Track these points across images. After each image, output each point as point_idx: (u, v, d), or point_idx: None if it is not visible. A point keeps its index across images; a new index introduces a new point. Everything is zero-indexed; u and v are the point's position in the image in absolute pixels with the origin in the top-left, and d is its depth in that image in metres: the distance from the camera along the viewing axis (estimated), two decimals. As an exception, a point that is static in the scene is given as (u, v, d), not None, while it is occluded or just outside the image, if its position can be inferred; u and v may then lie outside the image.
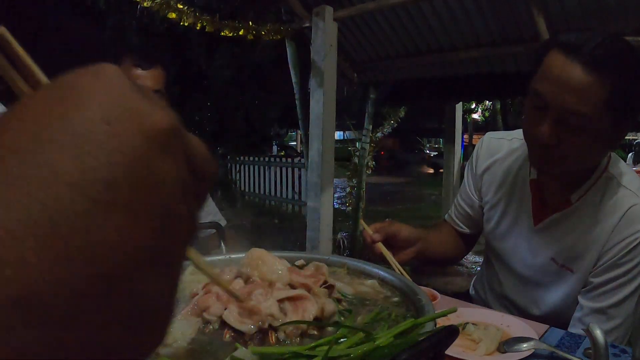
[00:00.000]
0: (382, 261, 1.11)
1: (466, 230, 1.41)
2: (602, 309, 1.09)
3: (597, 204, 1.10)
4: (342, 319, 0.69)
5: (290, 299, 0.66)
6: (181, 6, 3.44)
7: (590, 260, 1.11)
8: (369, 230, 1.14)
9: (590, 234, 1.10)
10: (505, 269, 1.32)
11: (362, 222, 1.25)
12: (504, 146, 1.30)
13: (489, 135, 1.37)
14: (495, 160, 1.30)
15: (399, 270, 1.06)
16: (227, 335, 0.62)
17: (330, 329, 0.64)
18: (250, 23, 3.71)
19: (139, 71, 1.42)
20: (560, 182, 1.15)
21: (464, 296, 1.52)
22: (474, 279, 1.53)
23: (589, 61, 0.95)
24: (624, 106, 0.99)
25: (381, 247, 1.11)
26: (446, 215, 1.47)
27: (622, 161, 1.17)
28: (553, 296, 1.20)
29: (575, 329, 1.10)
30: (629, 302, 1.07)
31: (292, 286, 0.70)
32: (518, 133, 1.23)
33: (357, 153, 5.41)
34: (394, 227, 1.15)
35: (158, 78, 1.46)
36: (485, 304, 1.37)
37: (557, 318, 1.16)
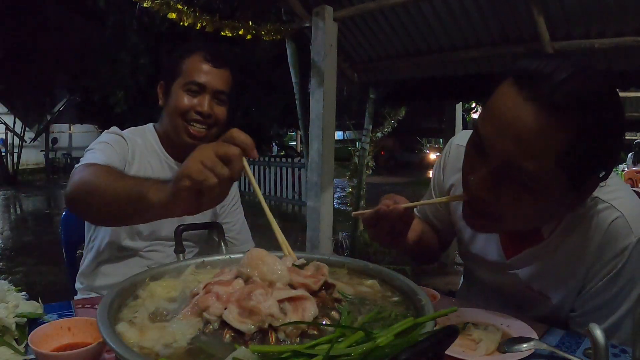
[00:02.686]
0: (397, 233, 0.98)
1: (438, 225, 1.29)
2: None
3: (573, 230, 0.96)
4: (343, 317, 0.69)
5: (290, 299, 0.66)
6: (181, 6, 3.43)
7: (571, 287, 1.01)
8: (365, 212, 0.98)
9: (569, 263, 0.99)
10: (483, 288, 1.25)
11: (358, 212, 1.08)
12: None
13: (456, 141, 1.19)
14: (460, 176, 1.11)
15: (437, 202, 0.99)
16: (227, 335, 0.62)
17: (330, 329, 0.64)
18: (250, 23, 3.71)
19: (209, 67, 1.40)
20: None
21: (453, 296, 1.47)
22: (458, 291, 1.44)
23: (546, 102, 0.73)
24: (583, 163, 0.77)
25: (403, 205, 0.95)
26: (415, 210, 1.29)
27: None
28: (535, 316, 1.11)
29: None
30: (625, 324, 0.98)
31: (292, 286, 0.70)
32: None
33: (357, 153, 5.41)
34: (396, 197, 1.01)
35: (226, 80, 1.43)
36: None
37: None
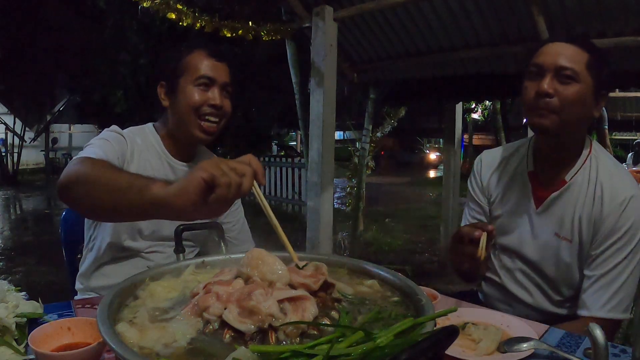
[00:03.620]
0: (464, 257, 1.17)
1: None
2: (604, 274, 1.25)
3: (588, 178, 1.32)
4: (342, 318, 0.69)
5: (291, 299, 0.66)
6: (180, 6, 3.43)
7: (587, 229, 1.30)
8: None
9: (585, 205, 1.30)
10: (511, 259, 1.45)
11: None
12: (499, 155, 1.51)
13: (485, 152, 1.59)
14: (495, 169, 1.50)
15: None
16: (227, 335, 0.62)
17: (330, 329, 0.64)
18: (250, 23, 3.71)
19: (214, 61, 1.43)
20: (553, 166, 1.36)
21: (470, 295, 1.57)
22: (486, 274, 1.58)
23: (574, 41, 1.28)
24: (597, 75, 1.26)
25: (483, 240, 1.15)
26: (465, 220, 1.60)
27: (599, 145, 1.41)
28: (553, 269, 1.36)
29: (584, 297, 1.28)
30: (628, 266, 1.25)
31: (292, 286, 0.70)
32: (510, 146, 1.52)
33: (357, 153, 5.41)
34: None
35: (229, 73, 1.48)
36: (493, 298, 1.49)
37: (558, 289, 1.36)
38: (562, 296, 1.37)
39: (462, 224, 1.53)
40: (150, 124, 1.54)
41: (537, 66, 1.28)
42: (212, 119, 1.42)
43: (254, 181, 0.80)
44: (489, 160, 1.53)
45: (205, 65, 1.41)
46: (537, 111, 1.27)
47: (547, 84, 1.24)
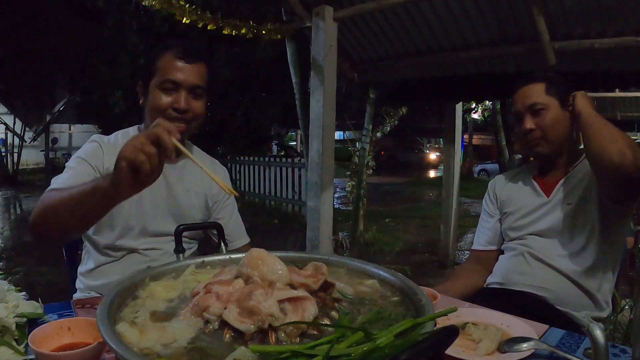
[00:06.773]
0: None
1: (492, 247, 1.76)
2: None
3: (586, 170, 1.57)
4: (341, 319, 0.69)
5: (291, 299, 0.66)
6: (183, 2, 3.43)
7: (592, 193, 1.53)
8: None
9: (585, 181, 1.56)
10: (528, 241, 1.62)
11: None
12: (509, 174, 1.82)
13: (497, 176, 1.90)
14: (505, 182, 1.80)
15: None
16: (227, 335, 0.62)
17: (330, 329, 0.64)
18: (251, 22, 3.71)
19: (182, 64, 1.41)
20: (557, 168, 1.63)
21: (484, 291, 1.64)
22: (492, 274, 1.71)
23: (531, 80, 1.62)
24: (558, 94, 1.58)
25: None
26: (473, 246, 1.84)
27: None
28: (567, 233, 1.56)
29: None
30: None
31: (292, 286, 0.70)
32: (518, 168, 1.82)
33: (357, 153, 5.42)
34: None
35: (201, 74, 1.45)
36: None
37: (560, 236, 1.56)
38: (576, 253, 1.54)
39: (477, 235, 1.81)
40: (136, 126, 1.57)
41: (515, 113, 1.65)
42: (177, 122, 1.40)
43: (174, 139, 0.91)
44: (501, 179, 1.84)
45: (172, 68, 1.40)
46: (529, 144, 1.62)
47: (527, 122, 1.58)
